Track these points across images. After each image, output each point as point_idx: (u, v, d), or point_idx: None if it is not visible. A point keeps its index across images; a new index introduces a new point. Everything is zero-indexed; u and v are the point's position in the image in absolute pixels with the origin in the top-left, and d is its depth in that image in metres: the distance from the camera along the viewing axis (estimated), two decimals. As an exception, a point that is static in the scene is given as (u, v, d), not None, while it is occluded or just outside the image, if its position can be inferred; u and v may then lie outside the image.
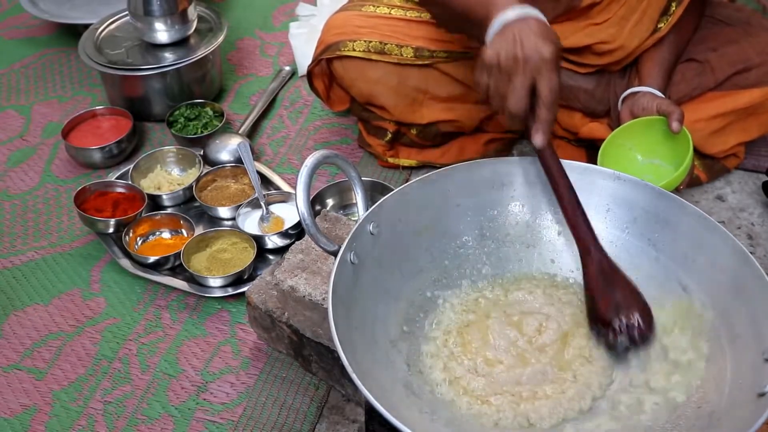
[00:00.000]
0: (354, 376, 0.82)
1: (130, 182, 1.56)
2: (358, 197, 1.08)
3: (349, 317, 0.93)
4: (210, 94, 1.87)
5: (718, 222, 1.03)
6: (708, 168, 1.56)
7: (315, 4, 2.14)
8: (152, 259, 1.43)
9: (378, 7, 1.54)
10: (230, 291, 1.39)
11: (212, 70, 1.85)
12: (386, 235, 1.04)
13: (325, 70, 1.58)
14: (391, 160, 1.65)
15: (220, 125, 1.73)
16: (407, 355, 1.00)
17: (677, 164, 1.32)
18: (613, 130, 1.42)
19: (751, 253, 0.98)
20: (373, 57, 1.50)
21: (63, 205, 1.62)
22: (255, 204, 1.52)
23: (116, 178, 1.61)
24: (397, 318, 1.03)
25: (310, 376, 1.27)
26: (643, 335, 0.99)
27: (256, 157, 1.68)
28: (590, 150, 1.59)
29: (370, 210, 1.03)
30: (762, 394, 0.84)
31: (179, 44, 1.81)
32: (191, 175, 1.62)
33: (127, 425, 1.22)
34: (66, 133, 1.71)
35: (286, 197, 1.54)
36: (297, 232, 1.46)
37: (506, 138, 1.67)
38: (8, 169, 1.73)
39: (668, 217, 1.07)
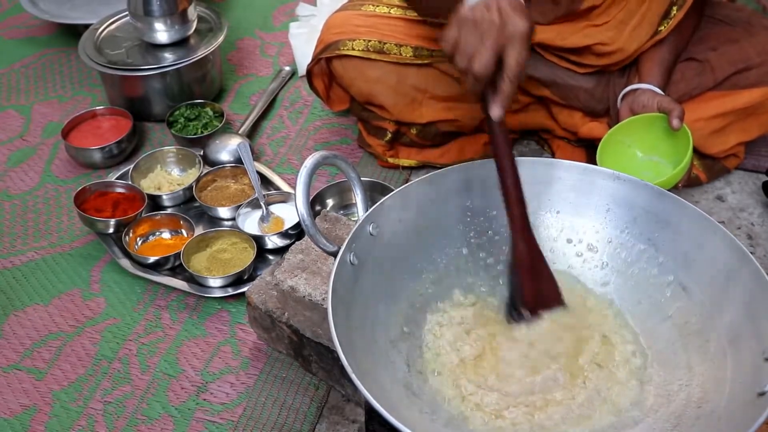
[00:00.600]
0: (354, 377, 0.82)
1: (130, 182, 1.56)
2: (358, 198, 1.08)
3: (348, 317, 0.93)
4: (210, 94, 1.87)
5: (718, 222, 1.03)
6: (708, 168, 1.56)
7: (315, 4, 2.14)
8: (152, 259, 1.43)
9: (377, 6, 1.55)
10: (230, 291, 1.39)
11: (212, 70, 1.85)
12: (386, 235, 1.04)
13: (325, 70, 1.58)
14: (390, 160, 1.65)
15: (220, 125, 1.73)
16: (407, 355, 1.01)
17: (676, 162, 1.32)
18: (610, 127, 1.42)
19: (751, 253, 0.98)
20: (373, 56, 1.50)
21: (63, 205, 1.62)
22: (255, 204, 1.52)
23: (116, 179, 1.61)
24: (397, 318, 1.03)
25: (310, 376, 1.27)
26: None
27: (256, 157, 1.68)
28: (590, 150, 1.59)
29: (369, 211, 1.03)
30: (762, 394, 0.84)
31: (179, 44, 1.81)
32: (191, 176, 1.62)
33: (127, 425, 1.22)
34: (66, 133, 1.71)
35: (286, 197, 1.54)
36: (297, 232, 1.46)
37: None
38: (8, 169, 1.73)
39: (668, 217, 1.07)
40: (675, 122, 1.30)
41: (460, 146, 1.65)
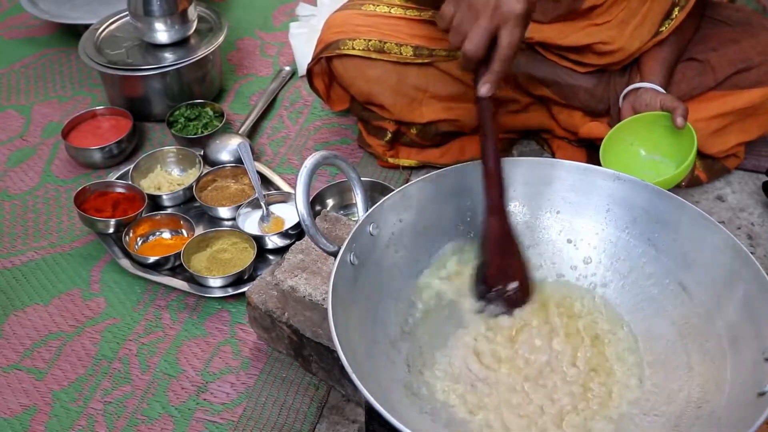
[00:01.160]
0: (354, 377, 0.82)
1: (130, 182, 1.56)
2: (358, 198, 1.08)
3: (348, 317, 0.93)
4: (210, 94, 1.87)
5: (718, 222, 1.03)
6: (708, 168, 1.56)
7: (315, 4, 2.14)
8: (152, 259, 1.43)
9: (378, 6, 1.55)
10: (230, 291, 1.39)
11: (212, 70, 1.85)
12: (386, 235, 1.04)
13: (325, 69, 1.58)
14: (391, 160, 1.65)
15: (220, 125, 1.73)
16: (407, 355, 1.01)
17: (679, 161, 1.32)
18: (611, 127, 1.42)
19: (751, 253, 0.98)
20: (373, 56, 1.50)
21: (63, 205, 1.62)
22: (255, 204, 1.52)
23: (116, 179, 1.61)
24: (397, 318, 1.03)
25: (310, 376, 1.27)
26: (513, 305, 1.06)
27: (256, 157, 1.68)
28: (590, 150, 1.59)
29: (370, 210, 1.03)
30: (762, 394, 0.84)
31: (179, 44, 1.81)
32: (191, 176, 1.62)
33: (127, 425, 1.22)
34: (66, 133, 1.71)
35: (286, 197, 1.54)
36: (297, 232, 1.46)
37: (506, 138, 1.67)
38: (8, 169, 1.73)
39: (668, 217, 1.06)
40: (679, 120, 1.30)
41: (460, 146, 1.65)
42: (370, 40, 1.50)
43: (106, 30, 1.87)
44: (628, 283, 1.09)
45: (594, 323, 1.07)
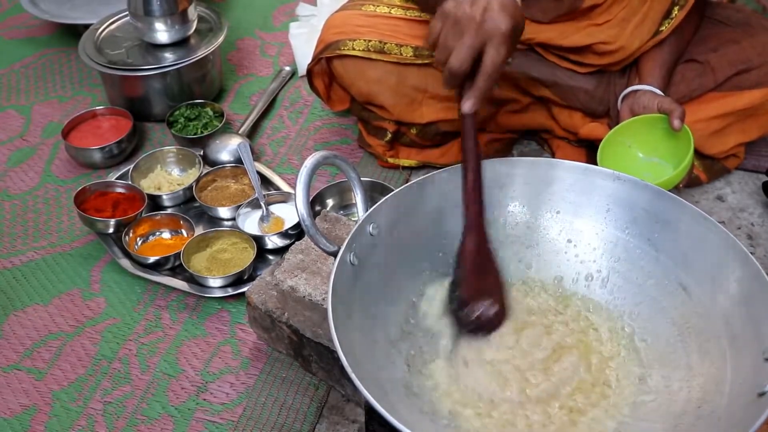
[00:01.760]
0: (354, 377, 0.82)
1: (130, 182, 1.56)
2: (358, 198, 1.08)
3: (348, 317, 0.93)
4: (210, 94, 1.87)
5: (718, 222, 1.03)
6: (708, 168, 1.56)
7: (315, 4, 2.14)
8: (152, 259, 1.43)
9: (378, 6, 1.55)
10: (230, 291, 1.39)
11: (212, 70, 1.85)
12: (386, 235, 1.04)
13: (325, 69, 1.58)
14: (391, 160, 1.65)
15: (220, 125, 1.73)
16: (407, 355, 1.00)
17: (677, 163, 1.32)
18: (612, 128, 1.42)
19: (751, 253, 0.98)
20: (373, 56, 1.50)
21: (63, 205, 1.62)
22: (255, 204, 1.52)
23: (116, 179, 1.61)
24: (397, 318, 1.03)
25: (310, 376, 1.27)
26: (489, 328, 1.02)
27: (256, 157, 1.68)
28: (590, 150, 1.59)
29: (369, 211, 1.03)
30: (762, 394, 0.84)
31: (179, 44, 1.81)
32: (191, 176, 1.62)
33: (127, 425, 1.22)
34: (66, 133, 1.71)
35: (286, 197, 1.54)
36: (297, 232, 1.46)
37: (506, 138, 1.67)
38: (8, 169, 1.73)
39: (668, 217, 1.06)
40: (676, 123, 1.30)
41: (460, 146, 1.64)
42: (370, 41, 1.50)
43: (106, 30, 1.87)
44: (627, 283, 1.09)
45: (594, 323, 1.07)
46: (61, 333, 1.37)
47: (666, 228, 1.07)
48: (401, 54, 1.50)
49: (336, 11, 1.60)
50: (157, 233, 1.51)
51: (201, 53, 1.78)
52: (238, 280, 1.40)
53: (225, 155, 1.65)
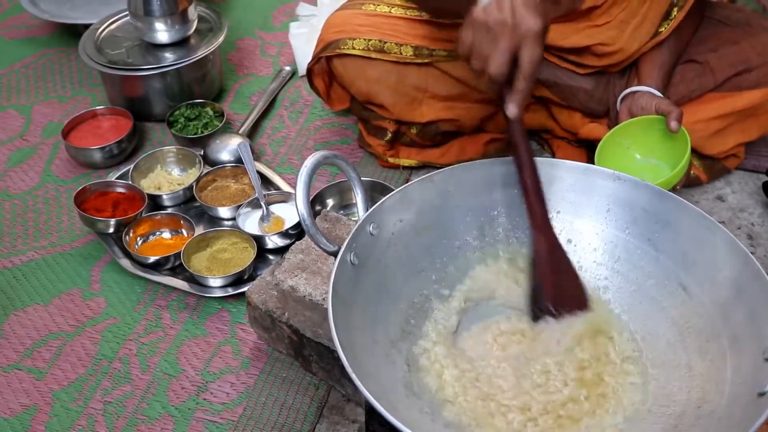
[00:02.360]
0: (354, 377, 0.83)
1: (130, 182, 1.56)
2: (358, 198, 1.08)
3: (349, 317, 0.93)
4: (210, 94, 1.87)
5: (719, 222, 1.03)
6: (708, 168, 1.56)
7: (315, 4, 2.14)
8: (152, 259, 1.43)
9: (378, 5, 1.55)
10: (230, 291, 1.39)
11: (212, 70, 1.85)
12: (386, 235, 1.04)
13: (325, 69, 1.58)
14: (391, 160, 1.65)
15: (220, 125, 1.73)
16: (407, 355, 1.00)
17: (674, 164, 1.32)
18: (611, 129, 1.42)
19: (751, 253, 0.98)
20: (373, 55, 1.50)
21: (63, 205, 1.62)
22: (255, 204, 1.52)
23: (116, 178, 1.61)
24: (398, 318, 1.03)
25: (310, 376, 1.27)
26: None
27: (257, 157, 1.68)
28: (590, 150, 1.59)
29: (370, 210, 1.03)
30: (762, 394, 0.84)
31: (179, 44, 1.81)
32: (191, 175, 1.62)
33: (127, 425, 1.22)
34: (66, 133, 1.71)
35: (286, 197, 1.54)
36: (297, 232, 1.46)
37: (506, 138, 1.67)
38: (8, 169, 1.73)
39: (668, 217, 1.07)
40: (673, 124, 1.30)
41: (460, 146, 1.65)
42: (370, 40, 1.50)
43: (107, 30, 1.87)
44: (628, 283, 1.09)
45: (594, 323, 1.07)
46: (61, 333, 1.37)
47: (666, 228, 1.07)
48: (401, 53, 1.50)
49: (336, 10, 1.60)
50: (158, 233, 1.51)
51: (201, 53, 1.78)
52: (238, 280, 1.40)
53: (225, 155, 1.65)
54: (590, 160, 1.55)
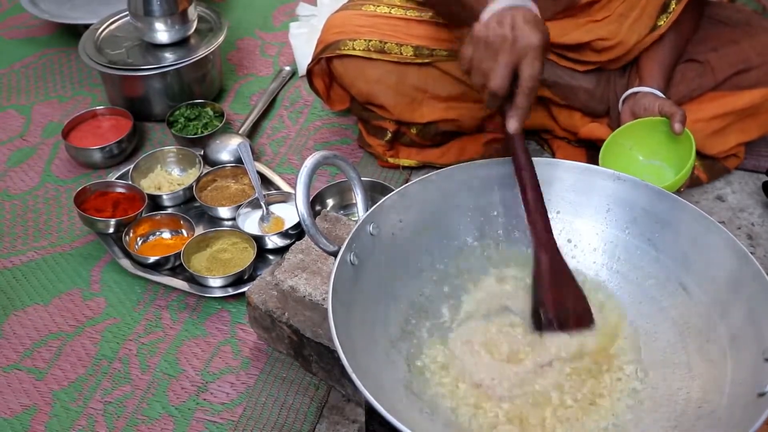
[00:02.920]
0: (354, 377, 0.82)
1: (130, 182, 1.56)
2: (358, 198, 1.08)
3: (349, 317, 0.93)
4: (210, 94, 1.87)
5: (718, 222, 1.03)
6: (708, 168, 1.56)
7: (315, 4, 2.14)
8: (152, 259, 1.43)
9: (378, 6, 1.55)
10: (230, 291, 1.39)
11: (212, 70, 1.85)
12: (386, 235, 1.04)
13: (325, 70, 1.58)
14: (391, 160, 1.65)
15: (220, 125, 1.73)
16: (407, 355, 1.00)
17: (678, 166, 1.32)
18: (612, 129, 1.42)
19: (751, 253, 0.98)
20: (373, 56, 1.50)
21: (63, 205, 1.62)
22: (255, 204, 1.52)
23: (116, 178, 1.61)
24: (398, 318, 1.03)
25: (310, 376, 1.27)
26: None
27: (256, 157, 1.68)
28: (590, 150, 1.59)
29: (370, 210, 1.03)
30: (762, 394, 0.84)
31: (179, 44, 1.81)
32: (191, 175, 1.62)
33: (127, 425, 1.22)
34: (66, 133, 1.71)
35: (286, 197, 1.54)
36: (297, 232, 1.46)
37: (506, 138, 1.67)
38: (8, 169, 1.73)
39: (668, 217, 1.07)
40: (677, 126, 1.30)
41: (460, 146, 1.65)
42: (370, 41, 1.50)
43: (107, 30, 1.87)
44: (628, 283, 1.09)
45: (593, 323, 1.07)
46: (61, 333, 1.37)
47: (666, 228, 1.07)
48: (401, 53, 1.50)
49: (336, 11, 1.60)
50: (158, 233, 1.51)
51: (201, 53, 1.78)
52: (238, 280, 1.40)
53: (225, 155, 1.65)
54: (590, 160, 1.55)
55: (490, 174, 1.13)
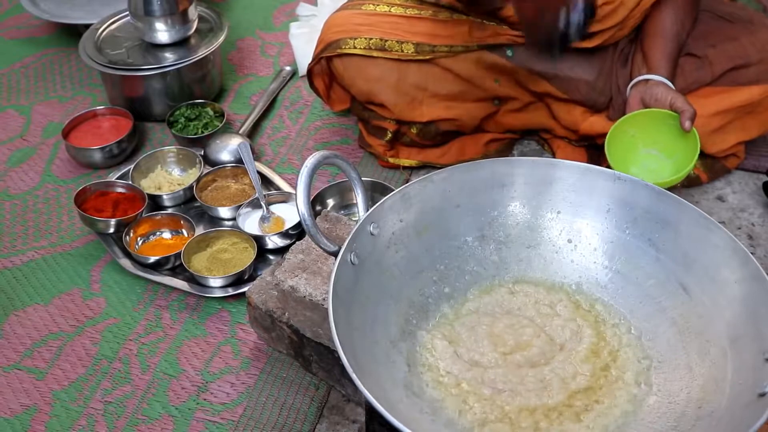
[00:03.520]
0: (354, 376, 0.83)
1: (130, 182, 1.56)
2: (359, 198, 1.08)
3: (349, 317, 0.93)
4: (210, 94, 1.87)
5: (719, 222, 1.03)
6: (708, 168, 1.57)
7: (315, 4, 2.14)
8: (152, 259, 1.43)
9: (378, 5, 1.55)
10: (230, 291, 1.39)
11: (213, 70, 1.85)
12: (386, 235, 1.04)
13: (325, 69, 1.58)
14: (391, 160, 1.65)
15: (220, 125, 1.73)
16: (407, 355, 1.01)
17: (678, 160, 1.34)
18: (613, 121, 1.42)
19: (751, 253, 0.98)
20: (374, 54, 1.50)
21: (63, 205, 1.62)
22: (255, 204, 1.52)
23: (116, 178, 1.61)
24: (398, 318, 1.03)
25: (310, 376, 1.27)
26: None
27: (257, 157, 1.68)
28: (591, 150, 1.59)
29: (370, 210, 1.03)
30: (762, 394, 0.84)
31: (180, 44, 1.81)
32: (192, 175, 1.62)
33: (127, 425, 1.22)
34: (66, 133, 1.71)
35: (286, 197, 1.54)
36: (297, 232, 1.46)
37: (506, 138, 1.67)
38: (8, 169, 1.73)
39: (668, 217, 1.07)
40: (687, 124, 1.32)
41: (460, 146, 1.65)
42: (371, 39, 1.50)
43: (107, 30, 1.87)
44: (628, 283, 1.09)
45: (594, 323, 1.07)
46: (61, 333, 1.37)
47: (666, 228, 1.07)
48: (402, 51, 1.50)
49: (336, 11, 1.60)
50: (158, 233, 1.51)
51: (201, 53, 1.78)
52: (238, 280, 1.40)
53: (225, 155, 1.65)
54: (590, 160, 1.55)
55: (490, 174, 1.13)
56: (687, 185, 1.55)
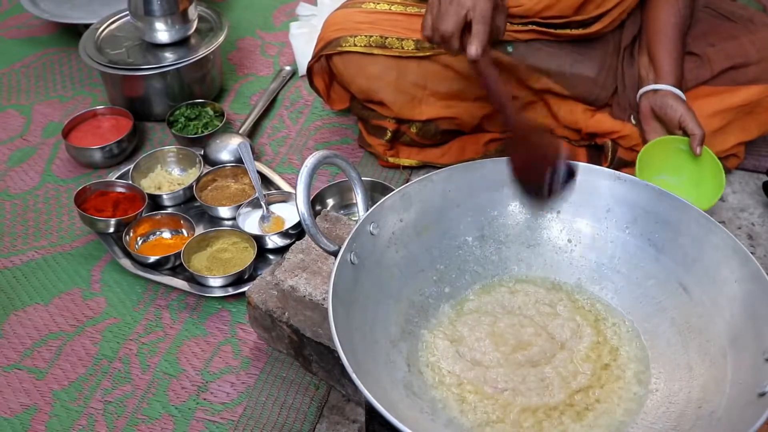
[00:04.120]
0: (354, 376, 0.83)
1: (130, 182, 1.56)
2: (359, 197, 1.08)
3: (349, 317, 0.93)
4: (210, 93, 1.88)
5: (719, 222, 1.03)
6: (708, 168, 1.57)
7: (315, 4, 2.14)
8: (152, 258, 1.43)
9: (378, 4, 1.55)
10: (230, 291, 1.39)
11: (213, 70, 1.85)
12: (386, 235, 1.04)
13: (325, 68, 1.58)
14: (391, 159, 1.65)
15: (220, 125, 1.73)
16: (407, 355, 1.01)
17: (699, 183, 1.39)
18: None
19: (751, 253, 0.98)
20: (375, 51, 1.50)
21: (63, 205, 1.62)
22: (255, 204, 1.52)
23: (117, 178, 1.61)
24: (398, 318, 1.03)
25: (310, 376, 1.27)
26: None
27: (257, 157, 1.68)
28: (590, 150, 1.59)
29: (370, 210, 1.03)
30: (762, 394, 0.84)
31: (180, 44, 1.81)
32: (191, 175, 1.62)
33: (127, 425, 1.22)
34: (66, 132, 1.71)
35: (286, 197, 1.54)
36: (297, 232, 1.46)
37: (506, 138, 1.67)
38: (8, 168, 1.73)
39: (668, 217, 1.07)
40: (698, 150, 1.36)
41: (460, 146, 1.65)
42: (371, 36, 1.50)
43: (107, 30, 1.87)
44: (628, 283, 1.09)
45: (594, 322, 1.07)
46: (61, 332, 1.37)
47: (666, 228, 1.07)
48: (402, 47, 1.50)
49: (335, 9, 1.60)
50: (158, 233, 1.51)
51: (201, 53, 1.78)
52: (238, 280, 1.40)
53: (225, 155, 1.65)
54: (590, 159, 1.55)
55: (490, 174, 1.13)
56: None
